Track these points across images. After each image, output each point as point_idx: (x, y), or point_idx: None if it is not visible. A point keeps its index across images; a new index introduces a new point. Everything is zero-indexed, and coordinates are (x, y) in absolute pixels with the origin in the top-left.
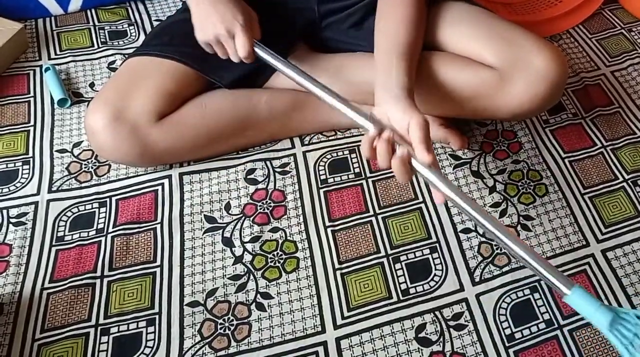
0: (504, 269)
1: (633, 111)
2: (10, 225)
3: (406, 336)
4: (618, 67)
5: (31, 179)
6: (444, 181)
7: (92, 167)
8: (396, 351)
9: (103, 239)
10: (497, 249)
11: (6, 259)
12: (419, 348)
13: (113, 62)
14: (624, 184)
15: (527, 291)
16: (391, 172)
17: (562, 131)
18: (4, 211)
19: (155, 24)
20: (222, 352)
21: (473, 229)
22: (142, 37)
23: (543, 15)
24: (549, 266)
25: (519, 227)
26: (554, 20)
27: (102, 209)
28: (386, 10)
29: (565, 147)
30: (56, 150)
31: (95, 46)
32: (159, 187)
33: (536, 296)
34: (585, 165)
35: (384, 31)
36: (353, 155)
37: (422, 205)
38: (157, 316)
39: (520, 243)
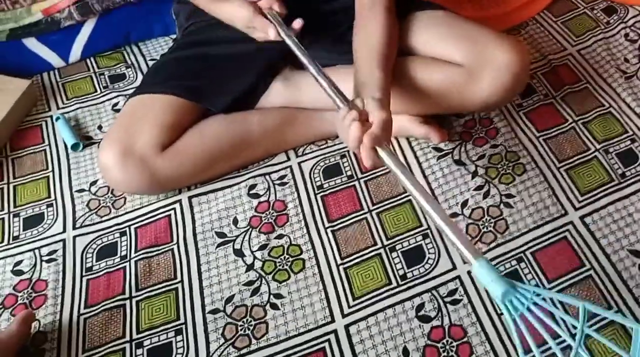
0: (491, 245)
1: (600, 85)
2: (43, 262)
3: (408, 316)
4: (584, 46)
5: (56, 219)
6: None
7: (109, 202)
8: (400, 330)
9: (127, 264)
10: (483, 228)
11: (44, 293)
12: (420, 325)
13: (116, 103)
14: (597, 153)
15: (514, 262)
16: (381, 172)
17: (534, 112)
18: (36, 251)
19: (150, 63)
20: (245, 350)
21: (460, 212)
22: (140, 77)
23: (508, 6)
24: (462, 235)
25: (501, 206)
26: (520, 9)
27: (124, 238)
28: (363, 25)
29: (539, 126)
30: (75, 191)
31: (98, 91)
32: (172, 212)
33: (522, 265)
34: (559, 140)
35: (363, 42)
36: (344, 160)
37: (411, 197)
38: (183, 326)
39: (440, 211)
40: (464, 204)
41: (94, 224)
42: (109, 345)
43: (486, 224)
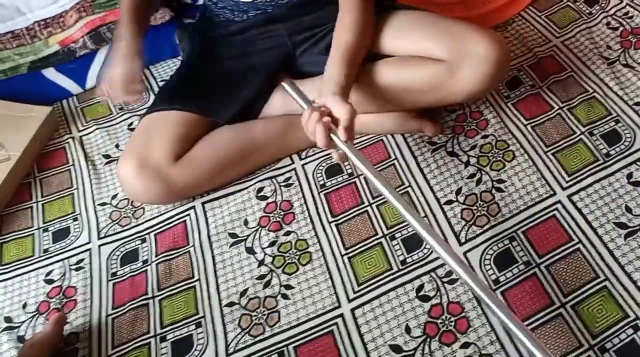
0: (485, 227)
1: (584, 72)
2: (72, 271)
3: (409, 297)
4: (567, 37)
5: (82, 231)
6: (357, 154)
7: (130, 213)
8: (402, 310)
9: (149, 268)
10: (477, 212)
11: (74, 298)
12: (420, 304)
13: (131, 123)
14: (582, 136)
15: (506, 241)
16: (381, 166)
17: (522, 102)
18: (65, 261)
19: (161, 84)
20: (260, 337)
21: (454, 199)
22: (152, 97)
23: (495, 4)
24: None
25: (493, 191)
26: (506, 7)
27: (144, 244)
28: (340, 19)
29: (527, 115)
30: (98, 205)
31: (114, 113)
32: (187, 218)
33: (514, 243)
34: (546, 127)
35: (335, 35)
36: None
37: (409, 189)
38: (203, 319)
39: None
40: (458, 191)
41: (116, 233)
42: (136, 340)
43: (479, 208)
